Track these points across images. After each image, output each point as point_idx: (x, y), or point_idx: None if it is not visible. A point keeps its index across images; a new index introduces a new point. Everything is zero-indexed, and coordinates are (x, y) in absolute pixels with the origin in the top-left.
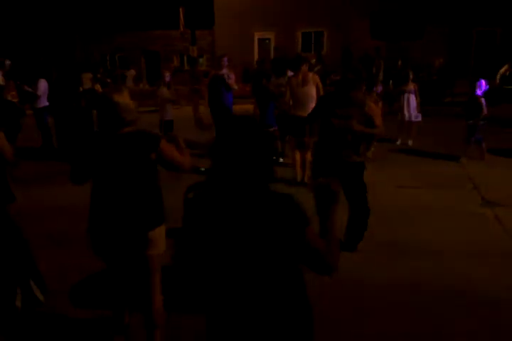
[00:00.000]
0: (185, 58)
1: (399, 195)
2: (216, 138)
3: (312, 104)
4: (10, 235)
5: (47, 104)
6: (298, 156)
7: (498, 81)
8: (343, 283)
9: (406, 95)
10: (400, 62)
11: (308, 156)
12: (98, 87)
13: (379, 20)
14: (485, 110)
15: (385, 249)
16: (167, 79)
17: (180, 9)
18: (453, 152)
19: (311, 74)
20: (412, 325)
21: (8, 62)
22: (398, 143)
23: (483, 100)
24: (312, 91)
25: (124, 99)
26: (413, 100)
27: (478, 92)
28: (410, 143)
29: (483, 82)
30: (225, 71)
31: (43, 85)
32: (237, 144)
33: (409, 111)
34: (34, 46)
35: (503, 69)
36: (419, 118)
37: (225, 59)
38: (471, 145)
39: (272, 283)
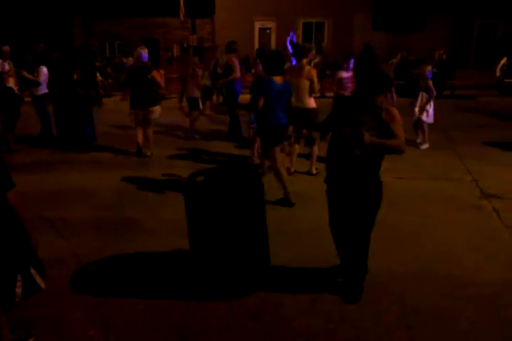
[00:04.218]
0: (185, 47)
1: (396, 186)
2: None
3: (307, 96)
4: (9, 222)
5: (46, 91)
6: (296, 149)
7: (498, 74)
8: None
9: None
10: (399, 55)
11: (315, 147)
12: (97, 75)
13: (381, 11)
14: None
15: (381, 239)
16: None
17: None
18: (454, 144)
19: (307, 68)
20: (409, 314)
21: (6, 49)
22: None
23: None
24: (304, 84)
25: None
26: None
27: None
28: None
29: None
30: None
31: (43, 72)
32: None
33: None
34: (32, 33)
35: (502, 62)
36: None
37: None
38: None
39: None
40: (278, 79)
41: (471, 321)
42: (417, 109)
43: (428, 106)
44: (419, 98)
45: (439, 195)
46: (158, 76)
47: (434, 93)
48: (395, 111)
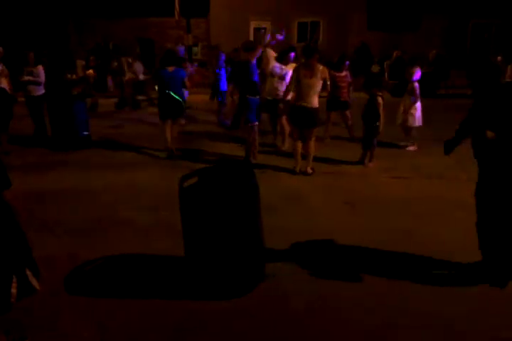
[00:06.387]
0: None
1: (392, 186)
2: None
3: (315, 96)
4: (6, 222)
5: (44, 91)
6: (299, 147)
7: None
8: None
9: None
10: (394, 54)
11: (312, 147)
12: (90, 74)
13: (376, 11)
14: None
15: (383, 237)
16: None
17: None
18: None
19: (320, 68)
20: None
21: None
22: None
23: (416, 85)
24: (316, 84)
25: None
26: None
27: (414, 78)
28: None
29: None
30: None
31: (42, 72)
32: None
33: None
34: (26, 34)
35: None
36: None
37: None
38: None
39: None
40: (170, 69)
41: (469, 319)
42: (401, 112)
43: (413, 110)
44: (403, 100)
45: (435, 195)
46: (187, 68)
47: (418, 97)
48: None
